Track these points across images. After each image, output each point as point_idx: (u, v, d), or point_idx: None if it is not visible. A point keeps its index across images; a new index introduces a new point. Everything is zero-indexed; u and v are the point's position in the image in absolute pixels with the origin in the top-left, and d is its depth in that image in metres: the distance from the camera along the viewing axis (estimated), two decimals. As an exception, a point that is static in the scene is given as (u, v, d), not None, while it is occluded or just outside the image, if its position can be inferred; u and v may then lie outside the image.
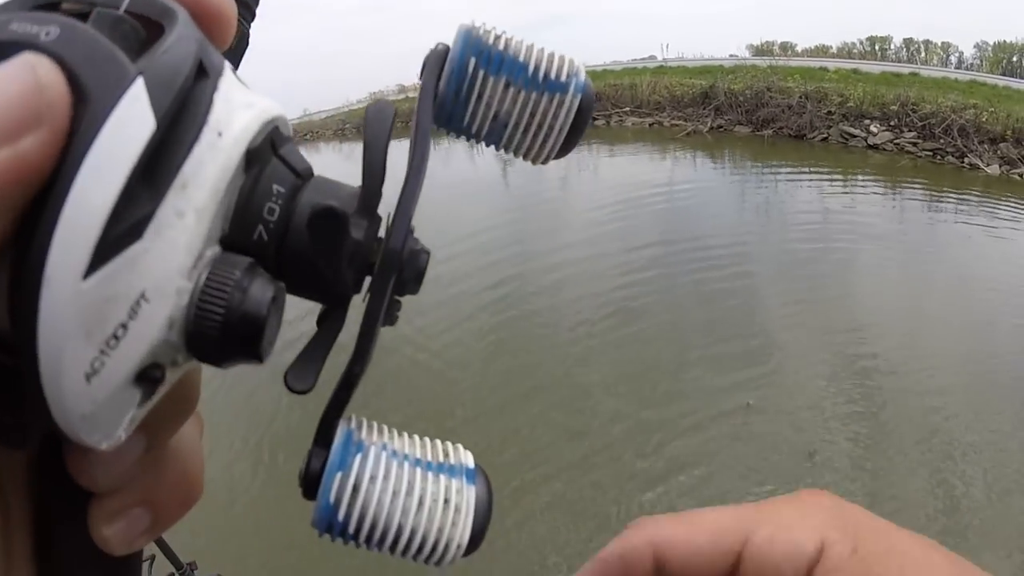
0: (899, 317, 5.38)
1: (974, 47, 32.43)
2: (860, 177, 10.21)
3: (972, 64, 30.51)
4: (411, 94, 27.77)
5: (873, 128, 11.56)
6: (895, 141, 11.46)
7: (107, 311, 0.14)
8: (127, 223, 0.14)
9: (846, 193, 9.46)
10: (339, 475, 0.19)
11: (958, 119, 11.26)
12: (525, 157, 0.24)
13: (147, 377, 0.16)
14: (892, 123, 11.65)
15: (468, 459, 0.22)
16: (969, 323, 5.22)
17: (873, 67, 15.52)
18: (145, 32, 0.16)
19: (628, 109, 13.21)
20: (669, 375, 4.50)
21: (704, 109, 12.07)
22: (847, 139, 11.53)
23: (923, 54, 32.83)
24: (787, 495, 0.26)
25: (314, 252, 0.18)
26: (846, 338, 4.87)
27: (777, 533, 0.24)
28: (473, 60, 0.21)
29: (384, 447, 0.20)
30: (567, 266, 6.62)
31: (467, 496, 0.21)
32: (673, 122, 12.37)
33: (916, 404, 4.06)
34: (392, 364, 4.53)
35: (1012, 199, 8.97)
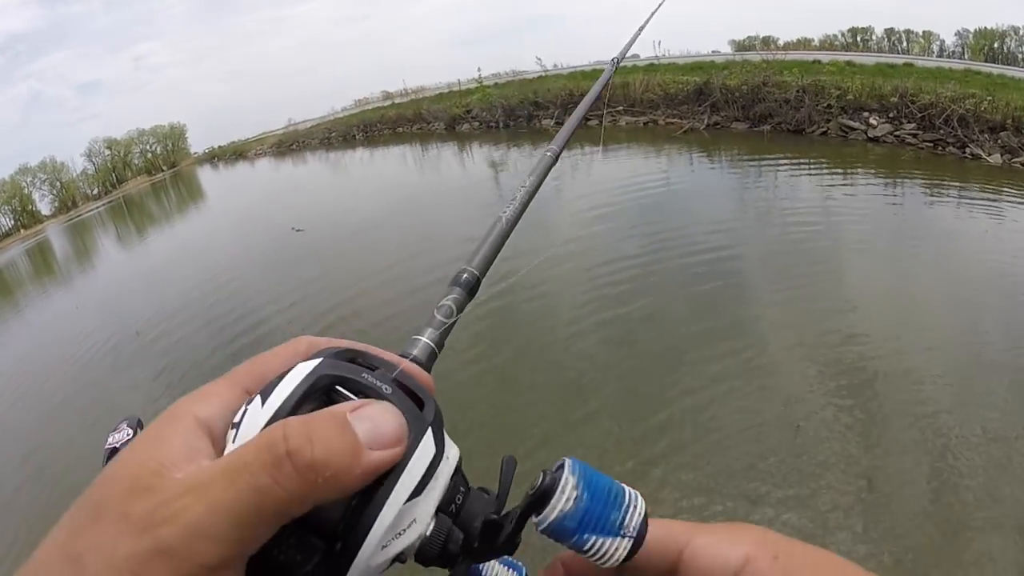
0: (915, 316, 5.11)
1: (955, 35, 32.52)
2: (861, 171, 9.92)
3: (954, 52, 30.58)
4: (396, 100, 27.14)
5: (872, 120, 11.32)
6: (895, 133, 11.23)
7: (399, 523, 0.29)
8: (419, 488, 0.30)
9: (847, 186, 9.17)
10: (572, 482, 0.33)
11: (957, 109, 11.02)
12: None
13: (399, 559, 0.31)
14: (891, 115, 11.42)
15: (631, 489, 0.35)
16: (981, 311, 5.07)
17: (867, 59, 15.32)
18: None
19: (621, 108, 12.93)
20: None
21: (699, 106, 11.81)
22: (847, 132, 11.28)
23: (905, 43, 32.91)
24: (727, 522, 0.32)
25: (481, 538, 0.34)
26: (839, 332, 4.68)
27: (710, 544, 0.31)
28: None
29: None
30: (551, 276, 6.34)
31: (641, 510, 0.33)
32: (668, 120, 12.10)
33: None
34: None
35: (1014, 187, 8.72)
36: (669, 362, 4.60)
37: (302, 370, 0.30)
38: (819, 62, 13.77)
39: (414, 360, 0.39)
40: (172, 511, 0.24)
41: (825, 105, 11.20)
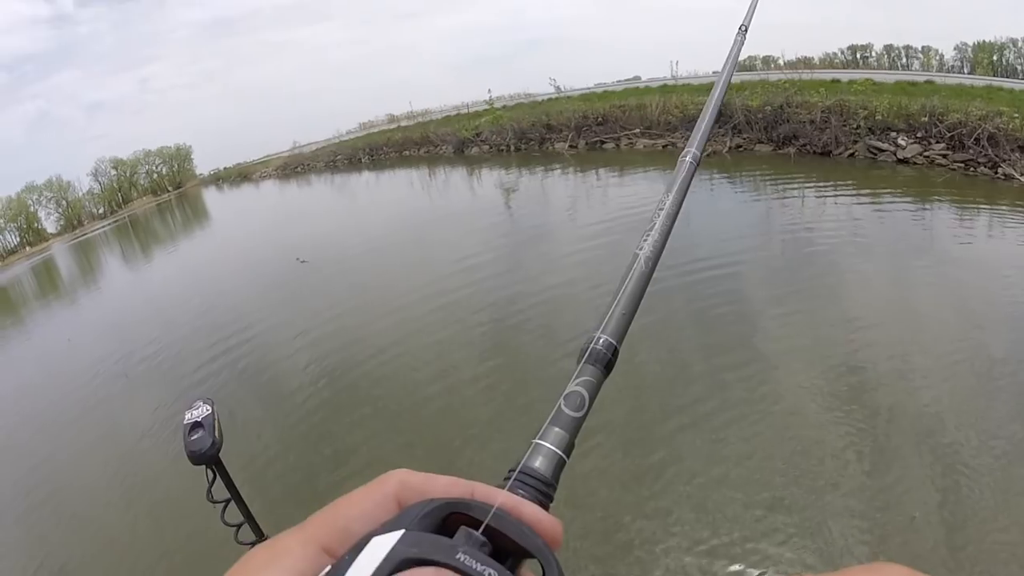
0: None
1: (954, 49, 32.48)
2: (893, 194, 9.55)
3: (953, 67, 30.48)
4: (402, 123, 27.13)
5: (901, 141, 10.97)
6: (924, 154, 10.88)
7: None
8: None
9: (878, 212, 8.79)
10: None
11: (988, 127, 10.69)
12: None
13: None
14: (919, 135, 11.09)
15: None
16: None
17: (887, 77, 15.05)
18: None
19: (638, 131, 12.63)
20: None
21: (721, 128, 11.47)
22: (875, 154, 10.93)
23: (904, 59, 32.86)
24: (866, 565, 0.29)
25: None
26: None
27: None
28: None
29: None
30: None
31: None
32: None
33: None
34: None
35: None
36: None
37: (376, 552, 0.25)
38: (838, 81, 13.50)
39: (540, 485, 0.32)
40: None
41: (854, 126, 10.85)
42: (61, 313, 13.52)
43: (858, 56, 32.92)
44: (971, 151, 10.72)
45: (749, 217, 8.94)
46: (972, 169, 10.55)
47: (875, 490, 3.29)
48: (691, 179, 0.56)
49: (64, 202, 52.17)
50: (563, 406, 0.36)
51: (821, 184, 10.01)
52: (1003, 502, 3.11)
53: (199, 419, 1.47)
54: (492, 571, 0.25)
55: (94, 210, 53.87)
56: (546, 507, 0.32)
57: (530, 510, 0.30)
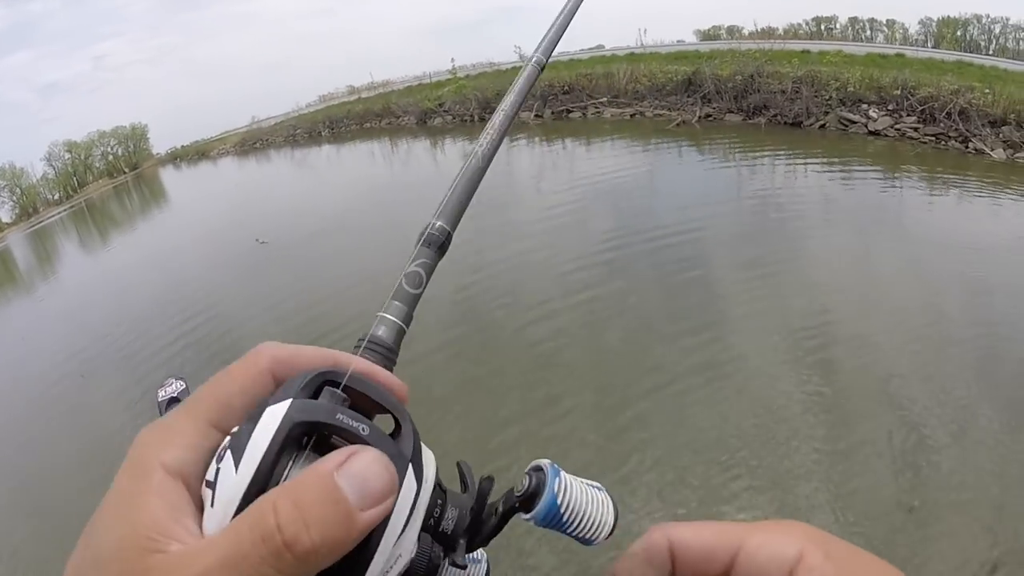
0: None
1: (919, 23, 32.67)
2: (867, 165, 9.26)
3: (917, 40, 30.67)
4: (363, 94, 25.95)
5: (872, 113, 10.67)
6: (896, 126, 10.61)
7: (388, 563, 0.29)
8: (404, 529, 0.29)
9: (846, 183, 8.50)
10: (558, 481, 0.37)
11: (959, 102, 10.47)
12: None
13: None
14: (890, 108, 10.82)
15: (595, 482, 0.39)
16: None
17: (857, 49, 14.75)
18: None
19: (605, 100, 12.06)
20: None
21: (689, 97, 10.99)
22: (846, 125, 10.60)
23: (869, 32, 32.99)
24: (775, 520, 0.32)
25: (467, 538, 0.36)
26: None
27: (766, 541, 0.31)
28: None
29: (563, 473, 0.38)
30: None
31: (609, 499, 0.38)
32: (656, 112, 11.26)
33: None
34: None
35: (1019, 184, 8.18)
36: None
37: (271, 420, 0.28)
38: (808, 52, 13.15)
39: (384, 351, 0.37)
40: None
41: (825, 97, 10.47)
42: (23, 306, 12.48)
43: (823, 28, 32.86)
44: (942, 125, 10.50)
45: (717, 185, 8.51)
46: (943, 143, 10.34)
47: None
48: (532, 84, 0.56)
49: (18, 189, 49.64)
50: (403, 283, 0.40)
51: (792, 153, 9.65)
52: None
53: (175, 395, 1.52)
54: (365, 426, 0.29)
55: (49, 196, 51.48)
56: (391, 370, 0.36)
57: (383, 374, 0.35)
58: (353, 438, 0.29)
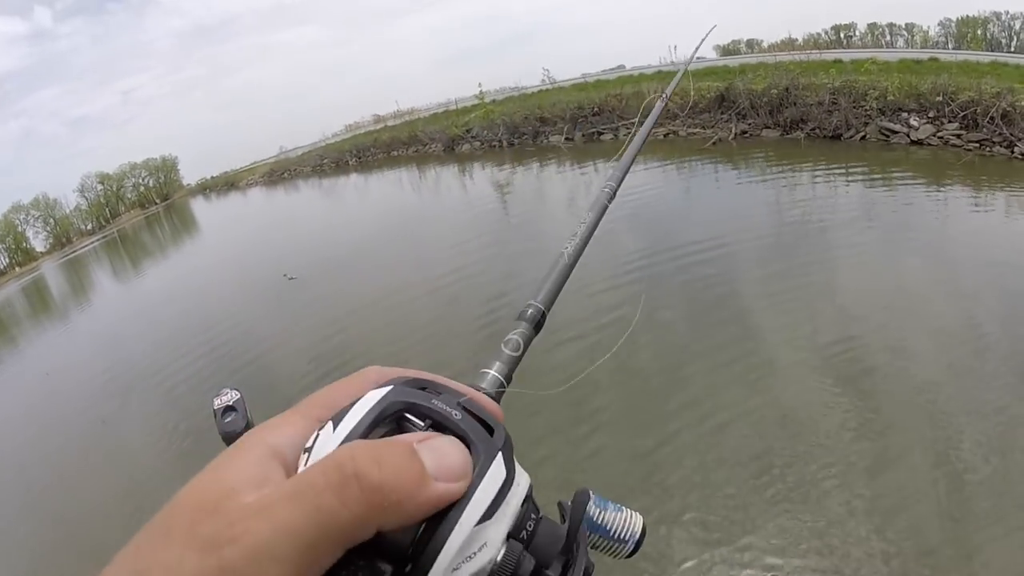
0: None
1: (939, 24, 32.12)
2: (905, 177, 9.06)
3: (938, 42, 30.14)
4: (389, 122, 26.32)
5: (913, 122, 10.48)
6: (938, 134, 10.39)
7: (469, 545, 0.28)
8: (489, 511, 0.29)
9: (891, 196, 8.33)
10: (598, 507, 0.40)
11: (1002, 105, 10.21)
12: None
13: None
14: (931, 115, 10.61)
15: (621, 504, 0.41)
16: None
17: (889, 56, 14.54)
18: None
19: (636, 120, 12.03)
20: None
21: (723, 114, 10.92)
22: (888, 136, 10.42)
23: (888, 37, 32.50)
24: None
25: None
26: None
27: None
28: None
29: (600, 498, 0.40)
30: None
31: (636, 517, 0.41)
32: (690, 131, 11.21)
33: None
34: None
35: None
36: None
37: (373, 396, 0.31)
38: (841, 61, 13.00)
39: (482, 391, 0.40)
40: (238, 532, 0.25)
41: (864, 108, 10.31)
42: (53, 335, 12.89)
43: (842, 36, 32.51)
44: (985, 130, 10.25)
45: (756, 204, 8.42)
46: (988, 149, 10.07)
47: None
48: (606, 207, 0.63)
49: (52, 220, 51.41)
50: (503, 347, 0.45)
51: (831, 168, 9.49)
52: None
53: (230, 403, 1.52)
54: (457, 412, 0.31)
55: (82, 226, 53.16)
56: None
57: (489, 402, 0.36)
58: (446, 423, 0.31)
